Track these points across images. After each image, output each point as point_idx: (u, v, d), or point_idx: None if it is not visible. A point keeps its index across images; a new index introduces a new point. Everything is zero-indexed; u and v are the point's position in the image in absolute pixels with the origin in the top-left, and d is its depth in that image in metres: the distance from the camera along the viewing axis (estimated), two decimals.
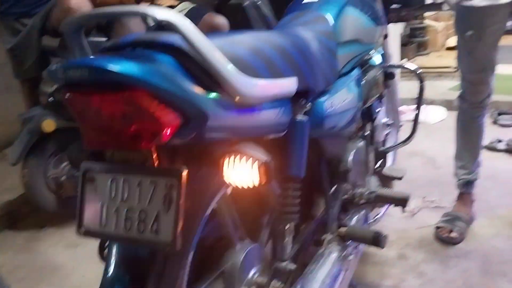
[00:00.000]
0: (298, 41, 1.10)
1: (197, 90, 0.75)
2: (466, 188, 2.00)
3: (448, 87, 4.00)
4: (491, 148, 2.75)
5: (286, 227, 1.06)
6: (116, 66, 0.68)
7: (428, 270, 1.69)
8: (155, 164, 0.79)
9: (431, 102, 3.66)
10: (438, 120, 3.41)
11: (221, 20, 2.50)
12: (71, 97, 0.75)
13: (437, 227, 1.91)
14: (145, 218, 0.77)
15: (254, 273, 0.98)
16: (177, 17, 0.71)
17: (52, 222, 2.32)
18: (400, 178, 1.66)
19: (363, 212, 1.50)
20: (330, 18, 1.35)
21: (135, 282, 0.83)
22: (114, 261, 0.85)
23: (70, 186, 2.24)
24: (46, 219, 2.35)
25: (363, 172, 1.56)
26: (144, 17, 2.04)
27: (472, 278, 1.62)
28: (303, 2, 1.49)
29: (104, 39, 2.21)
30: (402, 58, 4.92)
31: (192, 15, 2.50)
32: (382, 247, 1.20)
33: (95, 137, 0.76)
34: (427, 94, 1.98)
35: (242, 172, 0.80)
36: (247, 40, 0.93)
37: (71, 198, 2.31)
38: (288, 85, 0.95)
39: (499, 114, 3.32)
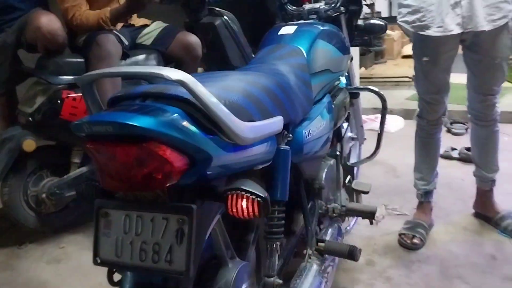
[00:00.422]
0: (280, 80, 1.22)
1: (202, 136, 0.86)
2: (425, 197, 2.19)
3: (405, 97, 4.24)
4: (446, 157, 2.97)
5: (273, 246, 1.18)
6: (137, 122, 0.78)
7: (394, 275, 1.85)
8: (166, 201, 0.89)
9: (390, 112, 3.87)
10: (398, 129, 3.63)
11: (193, 39, 2.59)
12: (95, 147, 0.84)
13: (400, 234, 2.09)
14: (159, 250, 0.87)
15: None
16: (187, 77, 0.81)
17: (31, 238, 2.35)
18: (367, 192, 1.81)
19: (336, 225, 1.64)
20: (303, 51, 1.48)
21: None
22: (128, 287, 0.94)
23: (50, 203, 2.27)
24: (25, 235, 2.37)
25: (335, 188, 1.70)
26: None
27: (433, 282, 1.79)
28: (279, 33, 1.63)
29: (81, 59, 2.26)
30: (360, 67, 5.15)
31: (166, 34, 2.59)
32: (357, 260, 1.34)
33: (114, 181, 0.86)
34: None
35: (244, 207, 0.91)
36: (238, 85, 1.04)
37: (51, 214, 2.35)
38: (276, 123, 1.07)
39: (452, 123, 3.57)
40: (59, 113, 2.18)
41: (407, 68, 4.77)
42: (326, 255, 1.38)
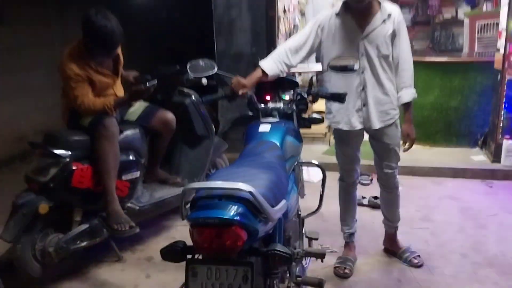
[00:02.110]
0: (277, 172, 1.88)
1: (255, 221, 1.49)
2: (349, 238, 2.94)
3: (321, 151, 5.09)
4: (358, 204, 3.79)
5: (275, 281, 1.80)
6: (229, 216, 1.40)
7: None
8: (235, 259, 1.50)
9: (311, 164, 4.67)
10: (319, 179, 4.42)
11: (170, 116, 3.18)
12: (200, 230, 1.43)
13: (335, 267, 2.80)
14: None
15: None
16: (252, 189, 1.44)
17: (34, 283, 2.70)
18: (317, 239, 2.50)
19: (300, 264, 2.30)
20: (279, 145, 2.16)
21: None
22: None
23: (56, 256, 2.65)
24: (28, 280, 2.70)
25: (298, 237, 2.38)
26: None
27: None
28: (259, 131, 2.28)
29: (87, 137, 2.73)
30: None
31: (148, 112, 3.15)
32: None
33: (208, 249, 1.45)
34: (306, 157, 2.77)
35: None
36: (262, 182, 1.67)
37: (53, 264, 2.72)
38: (284, 205, 1.72)
39: (359, 175, 4.45)
40: (70, 182, 2.63)
41: (320, 126, 5.63)
42: (303, 286, 2.04)
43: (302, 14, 5.97)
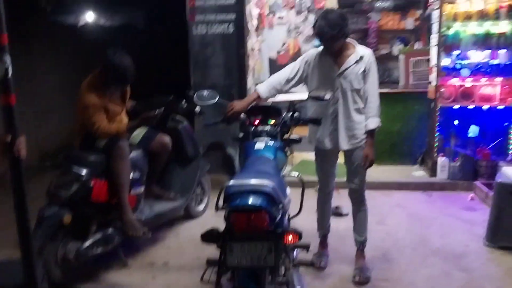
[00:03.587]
0: (278, 178, 2.41)
1: (275, 208, 2.02)
2: (324, 238, 3.50)
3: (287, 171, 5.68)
4: None
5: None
6: (259, 203, 1.93)
7: (316, 284, 3.08)
8: (263, 236, 2.01)
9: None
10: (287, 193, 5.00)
11: (167, 139, 3.66)
12: (238, 215, 1.94)
13: (313, 261, 3.33)
14: (260, 257, 1.98)
15: None
16: (274, 185, 1.98)
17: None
18: (301, 234, 3.02)
19: (291, 253, 2.83)
20: (272, 159, 2.70)
21: None
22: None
23: (75, 262, 3.00)
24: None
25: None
26: None
27: (335, 285, 3.07)
28: (255, 148, 2.81)
29: (103, 157, 3.15)
30: None
31: (148, 136, 3.60)
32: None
33: (244, 229, 1.96)
34: None
35: (290, 239, 2.08)
36: (272, 178, 2.20)
37: (72, 270, 3.06)
38: (288, 200, 2.26)
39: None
40: (89, 196, 3.02)
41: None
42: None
43: (259, 50, 6.63)
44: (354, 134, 3.13)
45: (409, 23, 6.35)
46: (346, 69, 3.03)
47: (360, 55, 3.04)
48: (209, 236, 2.08)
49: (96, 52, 3.65)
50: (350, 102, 3.07)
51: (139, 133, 3.58)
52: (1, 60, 1.77)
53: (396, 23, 6.43)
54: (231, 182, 2.10)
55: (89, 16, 8.05)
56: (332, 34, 2.89)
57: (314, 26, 2.99)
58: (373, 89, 3.09)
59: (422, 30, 6.03)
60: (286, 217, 2.71)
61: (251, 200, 1.97)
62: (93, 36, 7.38)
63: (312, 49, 3.24)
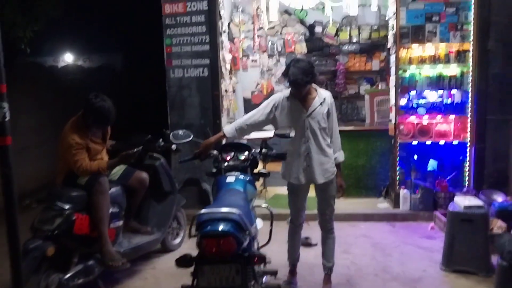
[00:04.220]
0: (246, 208, 2.69)
1: (241, 235, 2.29)
2: (293, 266, 3.73)
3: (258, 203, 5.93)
4: None
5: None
6: (227, 229, 2.20)
7: None
8: (229, 260, 2.26)
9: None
10: (260, 226, 5.23)
11: (144, 176, 3.90)
12: (207, 241, 2.20)
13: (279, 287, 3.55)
14: (228, 279, 2.22)
15: None
16: (241, 213, 2.25)
17: None
18: (270, 262, 3.26)
19: (260, 280, 3.06)
20: (243, 192, 2.98)
21: None
22: None
23: None
24: None
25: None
26: None
27: None
28: (226, 181, 3.09)
29: (84, 193, 3.36)
30: None
31: (127, 173, 3.84)
32: None
33: (213, 251, 2.21)
34: None
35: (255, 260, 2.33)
36: (242, 210, 2.48)
37: None
38: (255, 228, 2.53)
39: None
40: (72, 229, 3.22)
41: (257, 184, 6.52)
42: None
43: (233, 91, 6.99)
44: (327, 168, 3.44)
45: (375, 64, 6.84)
46: (313, 110, 3.36)
47: (323, 97, 3.40)
48: (183, 261, 2.32)
49: (76, 92, 3.92)
50: (320, 140, 3.38)
51: (118, 170, 3.82)
52: (0, 106, 2.02)
53: (363, 64, 6.91)
54: (203, 211, 2.36)
55: (68, 58, 8.36)
56: (306, 80, 3.25)
57: (286, 74, 3.32)
58: (335, 126, 3.48)
59: (386, 71, 6.45)
60: (255, 244, 2.97)
61: (220, 227, 2.24)
62: (72, 76, 7.68)
63: (278, 93, 3.55)
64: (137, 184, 3.85)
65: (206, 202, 4.81)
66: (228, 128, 3.47)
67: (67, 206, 3.24)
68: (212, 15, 5.31)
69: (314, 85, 3.46)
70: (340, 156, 3.51)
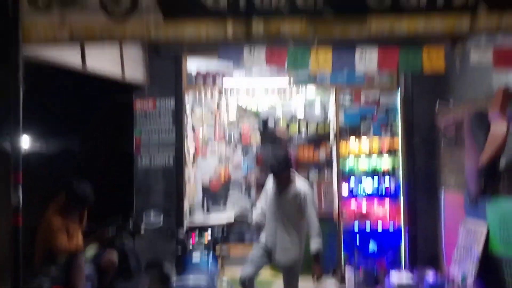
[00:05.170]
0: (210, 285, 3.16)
1: None
2: None
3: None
4: None
5: None
6: None
7: None
8: None
9: None
10: None
11: (114, 256, 4.29)
12: None
13: None
14: None
15: None
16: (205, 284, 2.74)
17: None
18: None
19: None
20: (206, 269, 3.46)
21: None
22: None
23: None
24: None
25: None
26: None
27: None
28: (193, 262, 3.57)
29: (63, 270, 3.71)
30: None
31: (100, 253, 4.22)
32: None
33: None
34: None
35: None
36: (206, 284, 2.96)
37: None
38: None
39: None
40: None
41: None
42: None
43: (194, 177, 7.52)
44: (290, 251, 3.97)
45: (322, 154, 7.62)
46: (285, 196, 3.92)
47: (299, 191, 3.94)
48: None
49: (36, 179, 4.24)
50: (288, 223, 3.90)
51: (91, 249, 4.20)
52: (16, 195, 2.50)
53: (311, 155, 7.67)
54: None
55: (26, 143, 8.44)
56: (283, 168, 3.86)
57: (266, 165, 4.00)
58: (312, 213, 3.96)
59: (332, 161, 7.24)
60: None
61: None
62: (34, 162, 7.88)
63: (270, 178, 4.12)
64: (107, 264, 4.21)
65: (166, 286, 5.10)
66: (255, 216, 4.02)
67: (47, 281, 3.58)
68: (178, 111, 6.02)
69: (293, 171, 4.02)
70: (315, 243, 3.93)
